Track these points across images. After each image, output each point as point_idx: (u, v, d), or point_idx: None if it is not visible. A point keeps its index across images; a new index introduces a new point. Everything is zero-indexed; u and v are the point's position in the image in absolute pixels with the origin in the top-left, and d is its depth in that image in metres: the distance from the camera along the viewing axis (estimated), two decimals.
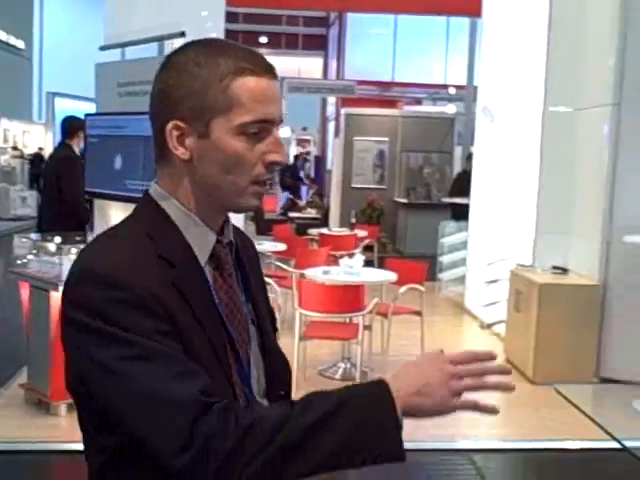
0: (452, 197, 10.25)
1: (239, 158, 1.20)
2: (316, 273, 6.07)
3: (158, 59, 1.31)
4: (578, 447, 4.52)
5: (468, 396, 1.16)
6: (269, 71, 1.22)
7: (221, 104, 1.19)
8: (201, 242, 1.25)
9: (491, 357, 1.22)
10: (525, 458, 4.78)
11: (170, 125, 1.21)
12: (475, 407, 1.15)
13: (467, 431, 5.15)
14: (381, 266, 8.14)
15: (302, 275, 6.20)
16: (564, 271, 6.23)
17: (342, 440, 1.09)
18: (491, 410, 1.16)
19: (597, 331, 5.89)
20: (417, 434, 4.72)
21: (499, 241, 7.48)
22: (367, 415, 1.10)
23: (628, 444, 3.84)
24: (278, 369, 1.36)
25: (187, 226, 1.25)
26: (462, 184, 9.56)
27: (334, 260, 7.19)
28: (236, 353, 1.24)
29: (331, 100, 17.07)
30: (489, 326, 7.48)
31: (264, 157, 1.22)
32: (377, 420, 1.11)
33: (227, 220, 1.31)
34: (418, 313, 6.30)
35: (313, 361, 6.03)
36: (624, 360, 5.74)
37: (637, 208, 5.76)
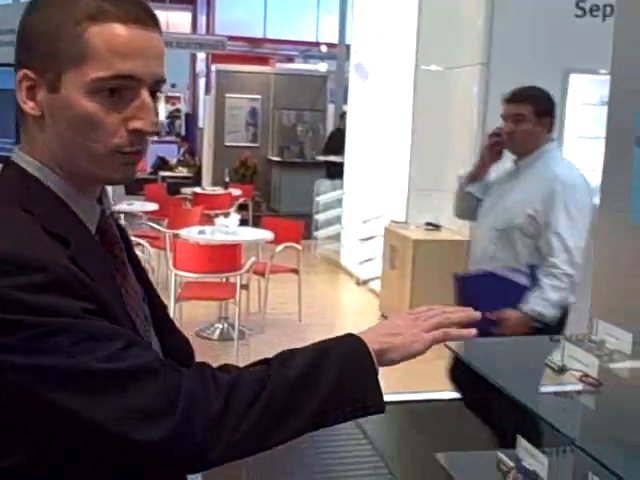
0: (326, 155, 10.29)
1: (92, 122, 1.01)
2: (191, 233, 5.96)
3: (24, 4, 1.13)
4: (452, 397, 4.68)
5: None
6: (142, 19, 1.02)
7: (74, 53, 1.00)
8: (85, 213, 1.07)
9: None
10: (400, 409, 4.91)
11: (20, 74, 1.03)
12: (447, 336, 1.13)
13: None
14: (256, 225, 8.09)
15: (176, 235, 6.08)
16: (437, 227, 6.38)
17: (326, 394, 1.04)
18: (467, 334, 1.14)
19: None
20: None
21: (374, 199, 7.57)
22: (348, 364, 1.06)
23: (512, 392, 4.02)
24: (177, 349, 1.21)
25: (68, 196, 1.05)
26: (336, 142, 9.60)
27: (208, 220, 7.08)
28: (140, 336, 1.09)
29: (201, 56, 16.71)
30: (365, 283, 7.60)
31: (127, 124, 1.02)
32: (357, 369, 1.06)
33: (103, 188, 1.13)
34: (295, 271, 6.32)
35: (190, 322, 5.94)
36: None
37: (504, 165, 5.94)
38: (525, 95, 2.89)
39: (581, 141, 5.92)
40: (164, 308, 1.25)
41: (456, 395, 4.77)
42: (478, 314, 1.19)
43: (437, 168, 6.44)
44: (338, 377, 1.05)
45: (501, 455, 1.80)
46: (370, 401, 1.06)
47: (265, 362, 1.07)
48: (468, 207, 3.20)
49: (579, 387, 1.51)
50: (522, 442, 1.80)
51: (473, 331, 1.14)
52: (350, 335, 1.10)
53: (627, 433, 1.47)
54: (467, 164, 6.02)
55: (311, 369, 1.04)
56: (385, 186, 7.30)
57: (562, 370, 1.58)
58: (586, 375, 1.52)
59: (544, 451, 1.74)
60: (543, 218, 2.70)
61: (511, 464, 1.76)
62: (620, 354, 1.70)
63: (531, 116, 2.81)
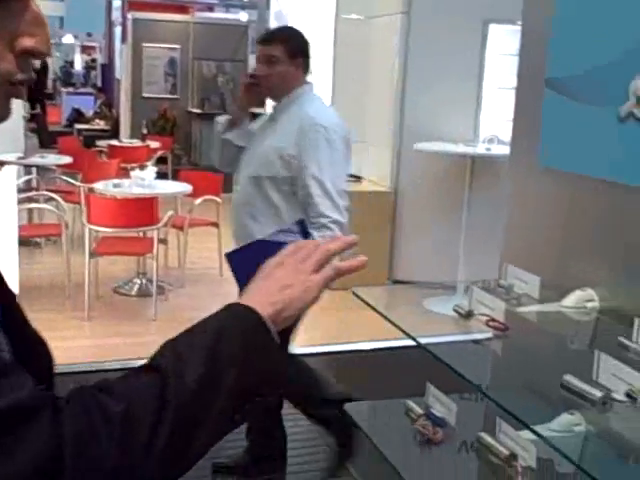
0: None
1: None
2: (106, 187, 5.77)
3: None
4: (378, 347, 4.73)
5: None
6: None
7: None
8: None
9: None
10: (327, 361, 4.91)
11: None
12: (338, 272, 0.99)
13: None
14: (175, 179, 7.91)
15: (91, 189, 5.88)
16: (358, 179, 6.34)
17: (232, 389, 0.88)
18: (358, 264, 1.01)
19: (390, 235, 6.10)
20: None
21: None
22: (248, 348, 0.90)
23: (422, 341, 4.04)
24: (32, 357, 0.90)
25: None
26: None
27: (125, 173, 6.87)
28: None
29: (116, 4, 16.13)
30: None
31: (15, 43, 0.82)
32: (259, 349, 0.91)
33: None
34: (215, 225, 6.20)
35: (107, 278, 5.79)
36: (414, 262, 6.00)
37: (426, 116, 5.92)
38: (276, 36, 2.75)
39: (500, 92, 5.93)
40: (12, 298, 0.94)
41: (376, 345, 4.82)
42: (355, 237, 1.07)
43: (358, 119, 6.37)
44: (241, 366, 0.89)
45: (410, 403, 1.78)
46: (276, 378, 0.95)
47: (154, 367, 0.87)
48: (227, 156, 2.93)
49: (487, 333, 1.49)
50: (431, 389, 1.78)
51: (363, 258, 1.01)
52: (238, 305, 0.94)
53: (533, 378, 1.46)
54: (388, 115, 6.01)
55: (211, 365, 0.88)
56: None
57: (469, 315, 1.56)
58: (493, 320, 1.50)
59: (453, 398, 1.73)
60: (299, 162, 2.56)
61: (420, 411, 1.75)
62: (528, 298, 1.69)
63: (284, 57, 2.65)
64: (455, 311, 1.59)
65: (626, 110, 1.49)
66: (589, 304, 1.65)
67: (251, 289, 0.98)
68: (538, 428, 1.71)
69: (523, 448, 1.53)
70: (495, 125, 6.01)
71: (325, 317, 5.49)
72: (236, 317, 0.93)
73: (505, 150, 5.89)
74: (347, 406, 1.77)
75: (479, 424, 1.65)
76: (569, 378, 1.20)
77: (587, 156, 1.68)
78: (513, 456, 1.51)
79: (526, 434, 1.66)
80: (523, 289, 1.71)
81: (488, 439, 1.57)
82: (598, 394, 1.12)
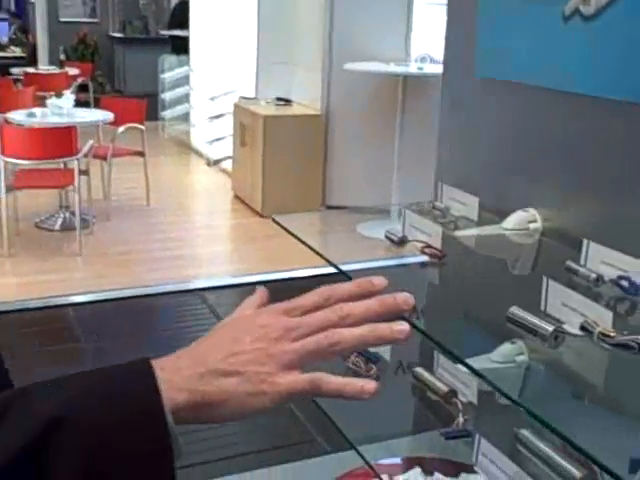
0: (171, 30, 9.66)
1: None
2: (21, 116, 5.46)
3: None
4: (305, 274, 4.63)
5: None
6: None
7: None
8: None
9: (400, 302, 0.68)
10: (253, 289, 4.82)
11: None
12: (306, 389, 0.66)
13: (199, 271, 5.08)
14: (97, 106, 7.55)
15: (5, 120, 5.55)
16: (288, 102, 6.14)
17: None
18: (362, 392, 0.69)
19: (322, 160, 5.95)
20: (148, 279, 4.59)
21: (222, 74, 7.18)
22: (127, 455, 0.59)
23: (345, 268, 4.01)
24: None
25: None
26: (181, 15, 8.99)
27: (43, 102, 6.51)
28: None
29: None
30: (216, 163, 7.31)
31: None
32: (137, 451, 0.59)
33: None
34: (140, 154, 5.94)
35: (28, 214, 5.52)
36: (347, 187, 5.88)
37: (355, 36, 5.73)
38: None
39: (431, 8, 5.74)
40: None
41: (314, 272, 4.73)
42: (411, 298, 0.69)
43: (286, 40, 6.12)
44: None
45: None
46: None
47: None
48: None
49: (419, 258, 1.36)
50: None
51: (405, 328, 0.67)
52: (141, 374, 0.62)
53: (473, 308, 1.34)
54: (317, 35, 5.78)
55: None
56: (233, 61, 6.92)
57: (403, 242, 1.42)
58: (429, 246, 1.36)
59: None
60: None
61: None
62: (466, 220, 1.56)
63: None
64: (387, 237, 1.45)
65: (572, 7, 1.34)
66: (531, 225, 1.53)
67: (192, 348, 0.66)
68: (476, 359, 1.60)
69: (463, 383, 1.42)
70: (427, 43, 5.86)
71: (255, 246, 5.39)
72: (123, 392, 0.61)
73: (438, 69, 5.79)
74: None
75: (416, 359, 1.54)
76: (515, 310, 1.07)
77: (527, 63, 1.53)
78: (453, 392, 1.40)
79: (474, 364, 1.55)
80: (460, 211, 1.58)
81: (426, 375, 1.46)
82: (549, 328, 1.00)
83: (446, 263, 1.35)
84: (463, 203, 1.58)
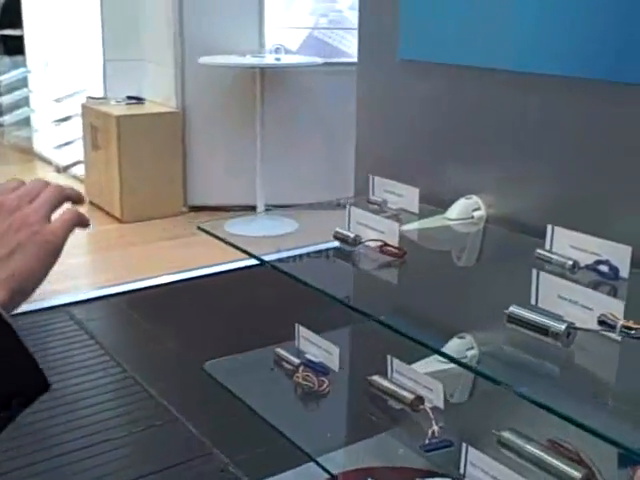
0: (2, 29, 9.02)
1: None
2: None
3: None
4: (174, 279, 4.48)
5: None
6: None
7: None
8: None
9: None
10: (122, 300, 4.57)
11: None
12: (78, 218, 0.78)
13: (62, 285, 4.75)
14: None
15: None
16: (140, 100, 5.86)
17: None
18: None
19: (181, 159, 5.73)
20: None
21: (66, 74, 6.76)
22: None
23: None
24: None
25: None
26: (12, 13, 8.41)
27: None
28: None
29: None
30: (66, 169, 6.89)
31: None
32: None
33: None
34: None
35: None
36: (210, 185, 5.71)
37: (208, 29, 5.56)
38: None
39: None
40: None
41: (174, 278, 4.56)
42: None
43: (134, 35, 5.84)
44: None
45: (280, 351, 1.52)
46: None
47: None
48: None
49: (383, 259, 1.25)
50: (301, 331, 1.52)
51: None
52: None
53: (431, 307, 1.24)
54: (167, 29, 5.54)
55: None
56: (77, 60, 6.53)
57: (356, 241, 1.30)
58: (386, 244, 1.25)
59: (330, 338, 1.49)
60: None
61: (295, 360, 1.48)
62: (407, 214, 1.46)
63: None
64: (338, 238, 1.32)
65: None
66: (476, 213, 1.45)
67: None
68: (424, 361, 1.51)
69: (426, 387, 1.33)
70: (280, 34, 5.78)
71: (117, 254, 5.12)
72: None
73: (295, 60, 5.72)
74: (207, 366, 1.47)
75: (368, 366, 1.43)
76: (516, 309, 0.98)
77: (456, 42, 1.45)
78: (419, 399, 1.30)
79: (421, 368, 1.46)
80: (399, 204, 1.48)
81: (385, 383, 1.35)
82: (561, 325, 0.91)
83: (408, 262, 1.24)
84: (400, 195, 1.48)
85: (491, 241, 1.41)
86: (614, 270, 1.12)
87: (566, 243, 1.20)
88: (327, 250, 1.36)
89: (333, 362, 1.42)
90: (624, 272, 1.13)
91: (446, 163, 1.54)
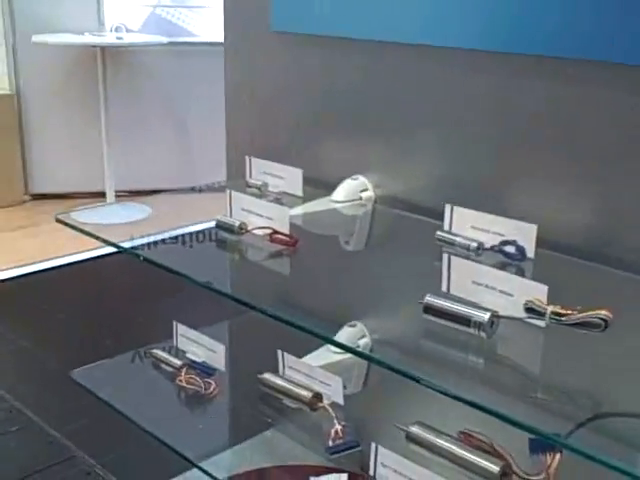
0: None
1: None
2: None
3: None
4: (22, 272, 4.22)
5: None
6: None
7: None
8: None
9: None
10: None
11: None
12: None
13: None
14: None
15: None
16: None
17: None
18: None
19: (19, 145, 5.36)
20: None
21: None
22: None
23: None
24: None
25: None
26: None
27: None
28: None
29: None
30: None
31: None
32: None
33: None
34: None
35: None
36: (53, 172, 5.38)
37: (41, 5, 5.21)
38: None
39: None
40: None
41: (22, 271, 4.27)
42: None
43: None
44: None
45: (158, 352, 1.38)
46: None
47: None
48: None
49: (272, 248, 1.14)
50: (179, 328, 1.39)
51: None
52: None
53: (325, 297, 1.15)
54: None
55: None
56: None
57: (242, 230, 1.18)
58: (276, 232, 1.14)
59: (211, 334, 1.36)
60: None
61: (176, 361, 1.35)
62: (290, 197, 1.36)
63: None
64: (221, 227, 1.20)
65: None
66: (364, 194, 1.37)
67: None
68: (317, 352, 1.42)
69: (323, 383, 1.23)
70: (120, 12, 5.51)
71: None
72: None
73: (138, 38, 5.46)
74: (75, 374, 1.31)
75: (256, 363, 1.32)
76: (432, 298, 0.90)
77: (335, 10, 1.35)
78: (317, 396, 1.21)
79: (311, 362, 1.37)
80: (280, 187, 1.37)
81: (277, 381, 1.25)
82: (484, 315, 0.84)
83: (299, 249, 1.14)
84: (281, 177, 1.38)
85: (383, 223, 1.33)
86: (521, 250, 1.07)
87: (467, 224, 1.14)
88: (197, 236, 1.24)
89: (219, 361, 1.30)
90: (530, 253, 1.08)
91: (328, 142, 1.44)
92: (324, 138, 1.45)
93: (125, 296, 3.97)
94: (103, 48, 5.06)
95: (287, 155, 1.43)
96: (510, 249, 1.08)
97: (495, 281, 0.90)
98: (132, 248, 1.24)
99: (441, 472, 1.05)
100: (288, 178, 1.37)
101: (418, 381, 0.85)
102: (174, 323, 1.38)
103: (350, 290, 1.13)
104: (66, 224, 1.32)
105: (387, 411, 1.27)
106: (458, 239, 1.12)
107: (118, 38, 5.14)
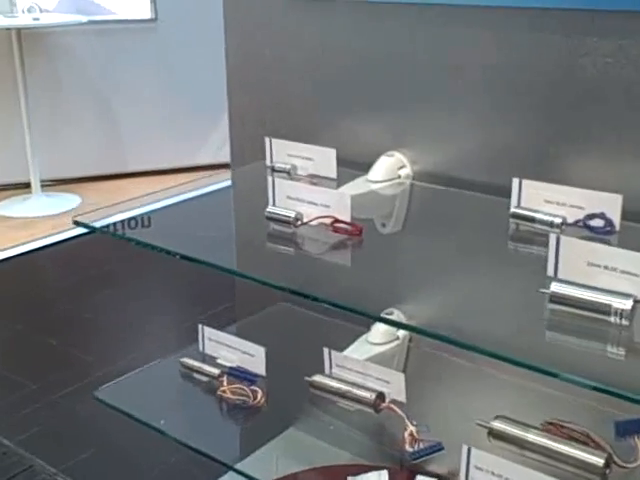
0: None
1: None
2: None
3: None
4: None
5: None
6: None
7: None
8: None
9: None
10: None
11: None
12: None
13: None
14: None
15: None
16: None
17: None
18: None
19: None
20: None
21: None
22: None
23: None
24: None
25: None
26: None
27: None
28: None
29: None
30: None
31: None
32: None
33: None
34: None
35: None
36: None
37: None
38: None
39: None
40: None
41: None
42: None
43: None
44: None
45: (188, 361, 1.25)
46: None
47: None
48: None
49: (336, 239, 1.02)
50: (208, 332, 1.26)
51: None
52: None
53: (413, 290, 1.04)
54: None
55: None
56: None
57: (298, 220, 1.05)
58: (337, 220, 1.02)
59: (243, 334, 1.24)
60: None
61: (213, 370, 1.22)
62: (324, 180, 1.24)
63: None
64: (273, 219, 1.06)
65: None
66: (402, 172, 1.26)
67: None
68: (355, 346, 1.32)
69: (381, 380, 1.13)
70: None
71: None
72: None
73: (55, 19, 5.15)
74: (100, 393, 1.16)
75: (296, 364, 1.20)
76: (558, 287, 0.80)
77: None
78: (381, 396, 1.10)
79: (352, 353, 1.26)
80: (310, 169, 1.25)
81: (330, 382, 1.13)
82: (627, 301, 0.75)
83: (365, 239, 1.02)
84: (311, 159, 1.25)
85: (432, 202, 1.22)
86: (610, 223, 0.99)
87: (539, 198, 1.04)
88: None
89: (258, 366, 1.18)
90: (616, 225, 1.00)
91: (357, 117, 1.32)
92: (352, 113, 1.33)
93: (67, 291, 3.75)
94: (19, 30, 4.76)
95: (308, 134, 1.31)
96: (597, 222, 0.99)
97: (620, 261, 0.81)
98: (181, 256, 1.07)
99: (541, 469, 0.96)
100: (318, 159, 1.25)
101: (556, 376, 0.76)
102: (200, 326, 1.24)
103: (445, 281, 1.00)
104: None
105: (448, 405, 1.18)
106: (538, 215, 1.03)
107: (35, 19, 4.85)
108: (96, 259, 3.73)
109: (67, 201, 4.79)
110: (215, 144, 5.18)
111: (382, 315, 0.92)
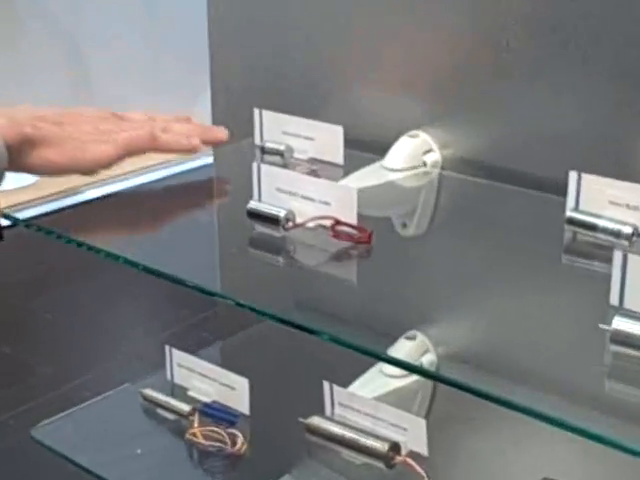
0: None
1: None
2: None
3: None
4: None
5: None
6: None
7: None
8: None
9: None
10: None
11: None
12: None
13: None
14: None
15: None
16: None
17: None
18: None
19: None
20: None
21: None
22: None
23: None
24: None
25: None
26: None
27: None
28: None
29: None
30: None
31: None
32: None
33: None
34: None
35: None
36: None
37: None
38: None
39: None
40: None
41: None
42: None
43: None
44: None
45: (150, 392, 1.00)
46: None
47: None
48: None
49: (338, 247, 0.77)
50: (177, 356, 1.02)
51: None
52: None
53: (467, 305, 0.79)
54: None
55: None
56: None
57: (288, 220, 0.80)
58: (339, 222, 0.77)
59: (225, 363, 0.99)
60: None
61: (182, 406, 0.97)
62: (326, 165, 0.99)
63: None
64: (252, 215, 0.81)
65: None
66: (427, 158, 1.00)
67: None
68: (365, 378, 1.07)
69: (396, 426, 0.88)
70: None
71: None
72: None
73: None
74: (33, 432, 0.92)
75: (296, 401, 0.95)
76: (620, 322, 0.57)
77: None
78: (395, 446, 0.85)
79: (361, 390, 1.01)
80: (310, 151, 0.99)
81: (330, 426, 0.89)
82: None
83: (376, 246, 0.77)
84: (311, 138, 1.00)
85: (474, 200, 0.95)
86: None
87: (603, 198, 0.79)
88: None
89: (241, 402, 0.93)
90: None
91: (371, 84, 1.06)
92: (365, 79, 1.07)
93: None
94: None
95: (305, 107, 1.05)
96: None
97: None
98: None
99: None
100: (321, 139, 0.99)
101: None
102: (167, 348, 1.00)
103: (475, 307, 0.76)
104: None
105: (482, 461, 0.92)
106: (602, 222, 0.77)
107: None
108: (56, 244, 3.47)
109: (21, 177, 4.55)
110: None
111: (395, 357, 0.69)
